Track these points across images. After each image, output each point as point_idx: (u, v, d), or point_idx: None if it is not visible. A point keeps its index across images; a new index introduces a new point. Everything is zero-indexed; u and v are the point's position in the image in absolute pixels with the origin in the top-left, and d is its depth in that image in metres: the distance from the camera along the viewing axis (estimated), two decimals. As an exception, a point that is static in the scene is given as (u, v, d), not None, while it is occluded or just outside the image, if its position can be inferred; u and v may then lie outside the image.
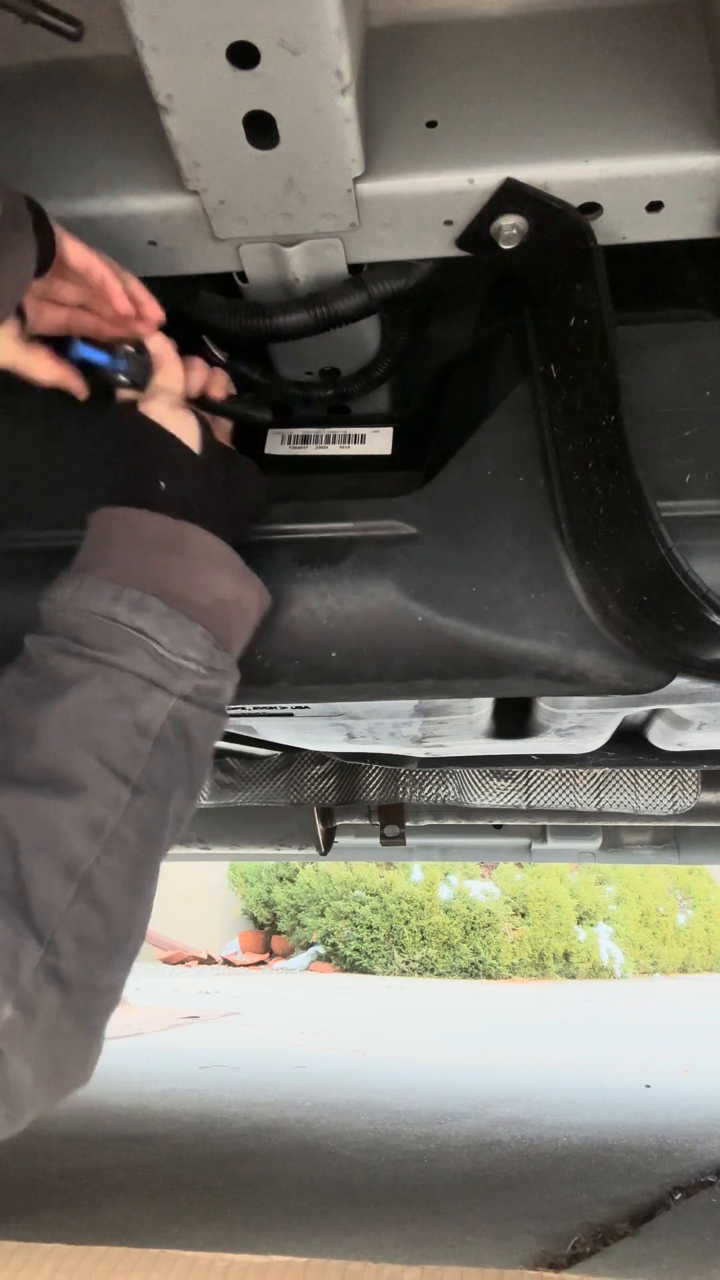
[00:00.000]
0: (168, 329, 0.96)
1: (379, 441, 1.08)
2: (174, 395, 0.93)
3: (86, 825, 0.74)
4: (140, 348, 0.94)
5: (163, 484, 0.87)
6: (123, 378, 0.93)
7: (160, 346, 0.94)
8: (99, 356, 0.92)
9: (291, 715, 1.25)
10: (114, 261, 0.89)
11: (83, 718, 0.76)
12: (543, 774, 2.09)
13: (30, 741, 0.75)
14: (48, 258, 0.84)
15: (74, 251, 0.86)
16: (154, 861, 0.80)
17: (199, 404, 0.97)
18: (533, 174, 0.86)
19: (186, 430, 0.91)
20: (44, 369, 0.91)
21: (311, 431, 1.09)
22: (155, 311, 0.92)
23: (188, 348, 0.99)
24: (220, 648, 0.84)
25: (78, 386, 0.93)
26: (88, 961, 0.72)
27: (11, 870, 0.70)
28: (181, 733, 0.81)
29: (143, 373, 0.93)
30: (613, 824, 2.67)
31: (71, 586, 0.82)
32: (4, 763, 0.75)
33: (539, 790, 2.09)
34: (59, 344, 0.92)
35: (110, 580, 0.82)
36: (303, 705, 1.19)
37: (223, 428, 1.02)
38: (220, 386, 0.99)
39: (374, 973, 9.30)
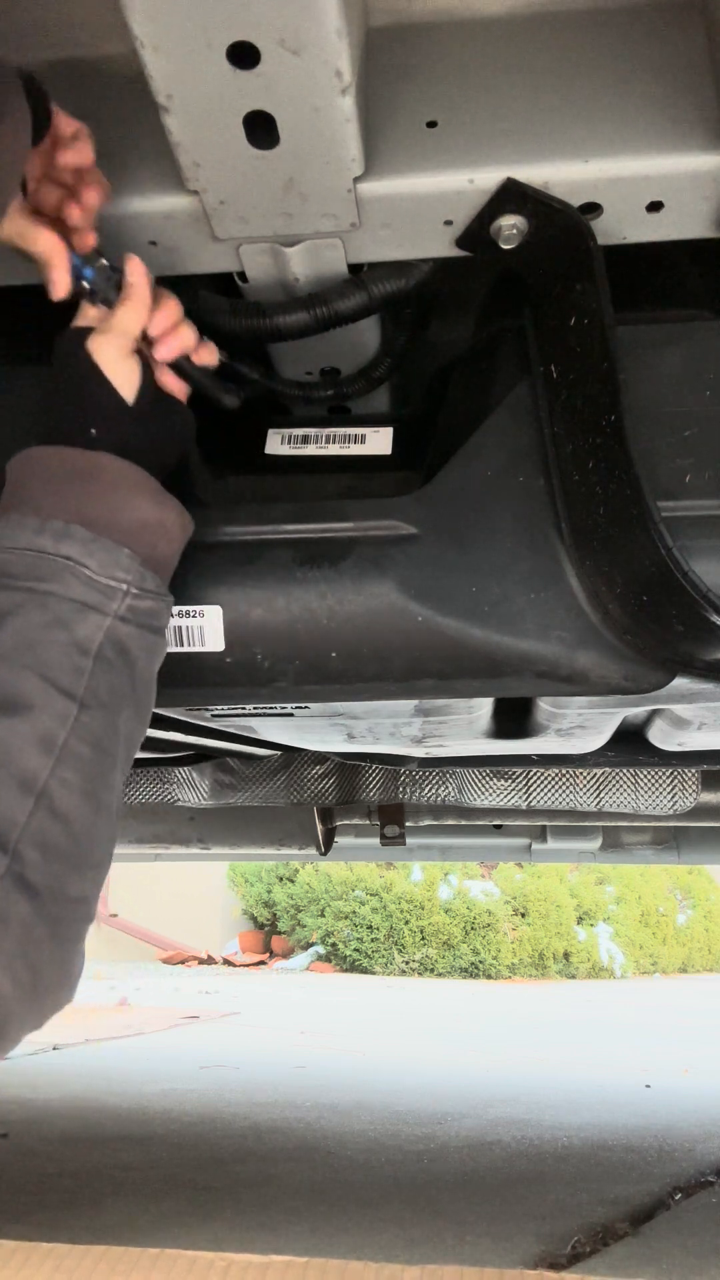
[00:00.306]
0: None
1: (379, 441, 1.08)
2: (127, 338, 0.91)
3: (38, 740, 0.76)
4: (116, 269, 0.91)
5: (93, 431, 0.89)
6: (86, 284, 0.91)
7: (136, 277, 0.92)
8: (72, 257, 0.90)
9: (291, 715, 1.25)
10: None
11: (22, 643, 0.79)
12: (543, 774, 2.09)
13: None
14: (43, 126, 0.83)
15: (64, 120, 0.85)
16: (110, 776, 0.82)
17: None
18: (533, 174, 0.86)
19: (126, 378, 0.90)
20: (44, 241, 0.89)
21: (311, 431, 1.09)
22: (92, 195, 0.88)
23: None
24: (149, 568, 0.86)
25: (62, 274, 0.90)
26: (55, 871, 0.75)
27: None
28: (121, 651, 0.83)
29: (108, 290, 0.91)
30: (613, 824, 2.67)
31: None
32: None
33: (539, 790, 2.09)
34: None
35: (32, 515, 0.84)
36: (303, 705, 1.19)
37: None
38: (180, 341, 0.95)
39: (374, 973, 9.30)
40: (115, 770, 0.83)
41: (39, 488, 0.86)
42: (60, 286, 0.90)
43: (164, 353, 0.94)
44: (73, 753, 0.78)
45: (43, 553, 0.82)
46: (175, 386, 0.96)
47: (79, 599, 0.82)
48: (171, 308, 0.94)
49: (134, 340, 0.92)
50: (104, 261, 0.91)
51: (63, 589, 0.81)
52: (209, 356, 0.98)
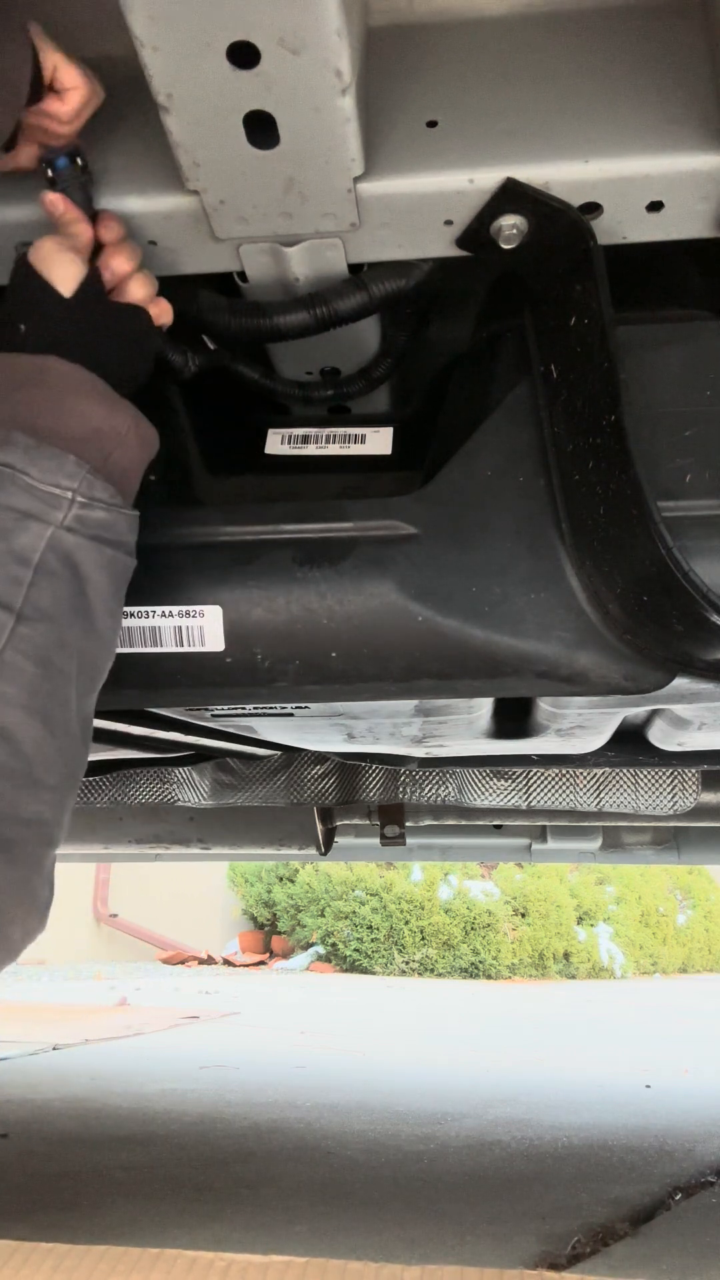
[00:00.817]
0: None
1: (379, 441, 1.08)
2: (66, 239, 0.88)
3: None
4: (89, 171, 0.88)
5: (22, 326, 0.85)
6: (50, 172, 0.87)
7: (55, 204, 0.88)
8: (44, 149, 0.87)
9: (291, 715, 1.25)
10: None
11: None
12: (543, 774, 2.09)
13: None
14: (38, 84, 0.79)
15: (67, 73, 0.81)
16: (63, 693, 0.79)
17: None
18: (533, 174, 0.86)
19: (62, 273, 0.87)
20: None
21: (311, 431, 1.09)
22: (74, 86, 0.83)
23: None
24: (100, 477, 0.83)
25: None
26: None
27: None
28: (68, 562, 0.80)
29: (73, 183, 0.87)
30: (613, 824, 2.67)
31: None
32: None
33: (539, 790, 2.09)
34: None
35: None
36: (303, 705, 1.19)
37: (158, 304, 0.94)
38: (126, 254, 0.90)
39: (374, 973, 9.29)
40: (69, 687, 0.79)
41: None
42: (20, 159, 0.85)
43: (116, 264, 0.90)
44: (11, 666, 0.75)
45: None
46: (139, 294, 0.91)
47: (19, 508, 0.78)
48: (114, 225, 0.90)
49: (74, 241, 0.88)
50: (79, 160, 0.88)
51: (3, 498, 0.78)
52: (163, 315, 0.94)
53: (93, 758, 1.69)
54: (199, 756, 1.93)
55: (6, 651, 0.75)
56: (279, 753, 1.87)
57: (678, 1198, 2.30)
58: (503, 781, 2.10)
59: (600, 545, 0.93)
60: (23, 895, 0.74)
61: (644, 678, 0.99)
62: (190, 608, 0.97)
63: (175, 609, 0.97)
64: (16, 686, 0.75)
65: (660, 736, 1.57)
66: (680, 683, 1.03)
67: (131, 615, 0.97)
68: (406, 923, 9.38)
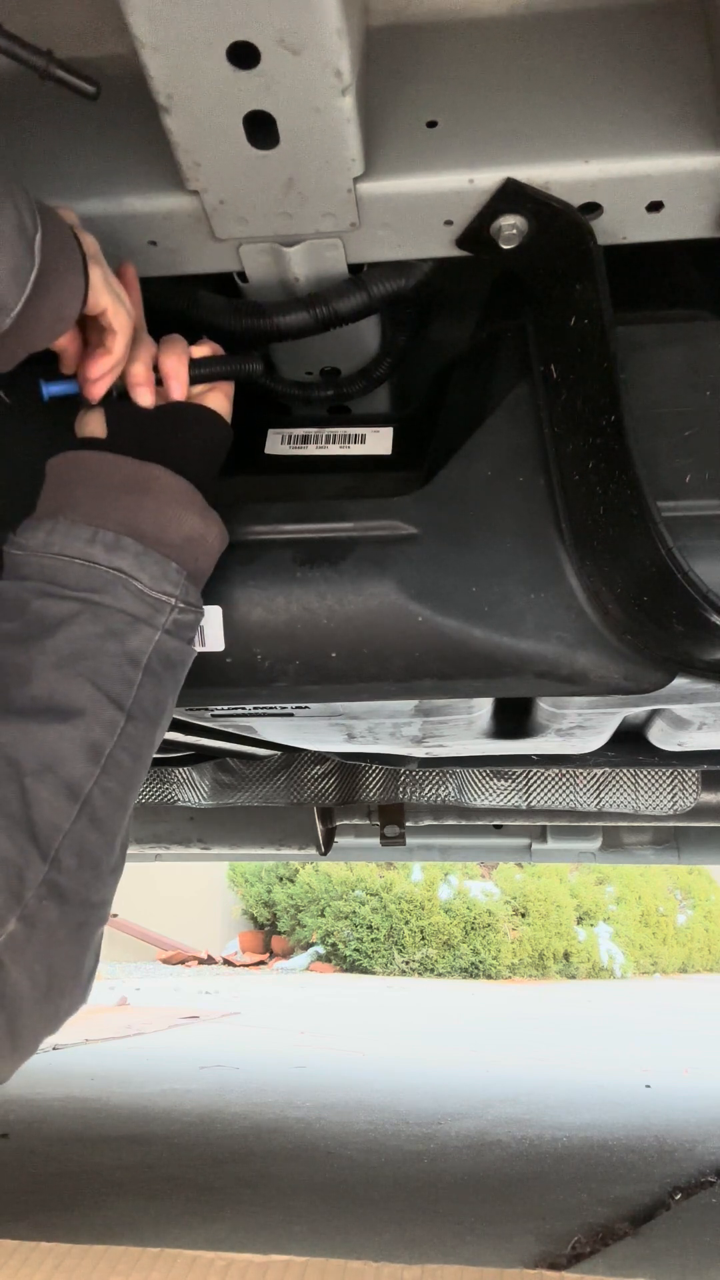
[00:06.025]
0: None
1: (379, 441, 1.08)
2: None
3: (87, 748, 0.77)
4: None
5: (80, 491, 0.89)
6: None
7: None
8: (68, 388, 0.90)
9: (291, 715, 1.25)
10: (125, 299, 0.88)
11: (75, 651, 0.79)
12: (543, 774, 2.09)
13: (24, 678, 0.78)
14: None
15: (116, 318, 0.87)
16: (140, 782, 0.84)
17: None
18: (533, 174, 0.86)
19: (89, 424, 0.91)
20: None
21: (311, 431, 1.09)
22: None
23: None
24: (192, 582, 0.87)
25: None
26: (85, 878, 0.76)
27: (16, 793, 0.73)
28: (167, 664, 0.85)
29: (114, 393, 0.92)
30: (613, 824, 2.67)
31: (44, 531, 0.84)
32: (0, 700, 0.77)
33: (539, 790, 2.09)
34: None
35: (83, 523, 0.84)
36: (303, 705, 1.19)
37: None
38: (168, 373, 0.94)
39: (374, 973, 9.29)
40: (144, 776, 0.84)
41: (89, 494, 0.86)
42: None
43: (174, 391, 0.94)
44: (116, 763, 0.79)
45: (93, 563, 0.82)
46: (179, 394, 0.94)
47: (130, 611, 0.82)
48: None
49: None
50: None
51: (114, 601, 0.82)
52: (209, 350, 0.97)
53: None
54: (199, 756, 1.93)
55: (116, 749, 0.79)
56: (279, 753, 1.87)
57: (678, 1198, 2.30)
58: (503, 781, 2.10)
59: (600, 545, 0.93)
60: (76, 971, 0.77)
61: (644, 678, 0.99)
62: (190, 608, 0.97)
63: (175, 609, 0.97)
64: (117, 782, 0.79)
65: (660, 736, 1.57)
66: (680, 683, 1.03)
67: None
68: (406, 923, 9.38)
